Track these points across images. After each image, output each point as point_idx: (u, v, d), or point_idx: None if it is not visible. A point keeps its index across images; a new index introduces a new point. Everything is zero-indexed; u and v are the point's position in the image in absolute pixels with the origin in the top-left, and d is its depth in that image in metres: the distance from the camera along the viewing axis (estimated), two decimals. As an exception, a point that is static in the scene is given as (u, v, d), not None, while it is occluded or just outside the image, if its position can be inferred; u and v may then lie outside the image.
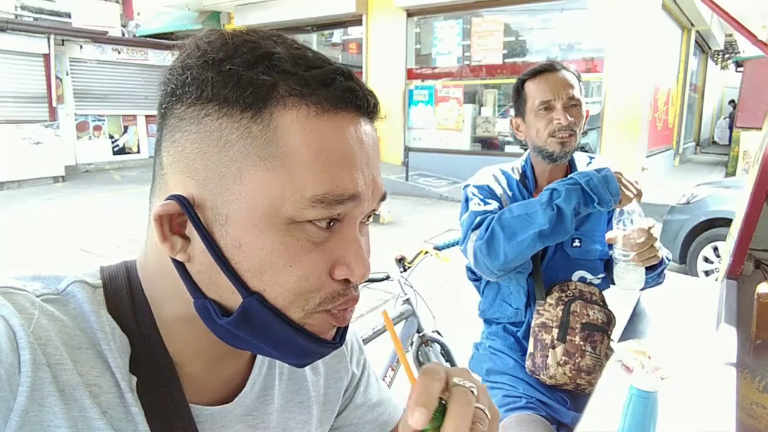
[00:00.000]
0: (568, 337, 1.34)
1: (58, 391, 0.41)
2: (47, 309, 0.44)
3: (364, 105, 0.45)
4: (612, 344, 1.41)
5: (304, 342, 0.47)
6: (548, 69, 1.40)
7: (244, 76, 0.41)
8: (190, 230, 0.44)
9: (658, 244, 1.26)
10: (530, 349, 1.39)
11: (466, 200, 1.45)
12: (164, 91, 0.45)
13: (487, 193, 1.44)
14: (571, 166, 1.48)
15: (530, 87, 1.41)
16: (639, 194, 1.27)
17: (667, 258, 1.39)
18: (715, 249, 4.30)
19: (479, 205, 1.41)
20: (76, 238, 5.76)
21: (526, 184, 1.47)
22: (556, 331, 1.35)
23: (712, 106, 18.48)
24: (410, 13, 9.65)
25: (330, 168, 0.43)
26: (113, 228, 6.22)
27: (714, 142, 17.79)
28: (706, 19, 10.15)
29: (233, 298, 0.45)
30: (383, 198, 0.49)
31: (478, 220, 1.36)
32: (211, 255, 0.43)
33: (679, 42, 10.84)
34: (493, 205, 1.40)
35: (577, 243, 1.44)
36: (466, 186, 1.48)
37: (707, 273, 4.34)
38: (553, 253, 1.44)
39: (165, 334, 0.49)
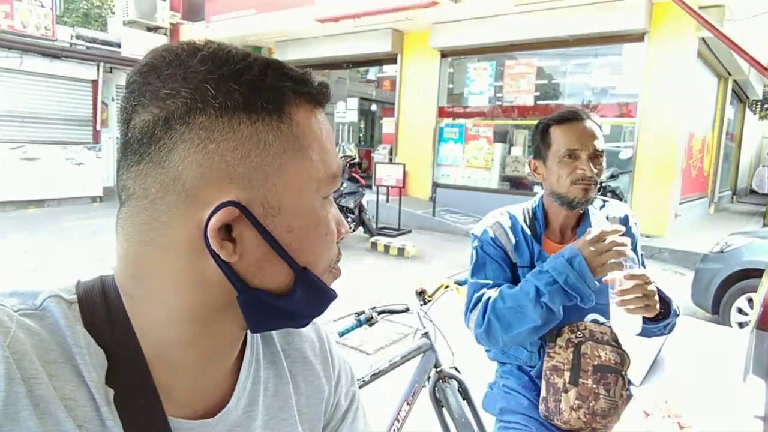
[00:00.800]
0: (580, 380, 1.31)
1: (33, 405, 0.41)
2: (25, 323, 0.44)
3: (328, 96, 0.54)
4: (632, 388, 1.37)
5: (328, 300, 0.54)
6: (576, 117, 1.40)
7: (263, 85, 0.47)
8: (239, 231, 0.47)
9: (656, 298, 1.20)
10: (543, 393, 1.37)
11: (472, 255, 1.48)
12: (169, 108, 0.45)
13: (492, 248, 1.45)
14: (584, 212, 1.48)
15: (556, 133, 1.40)
16: (622, 251, 1.19)
17: (676, 311, 1.34)
18: (750, 300, 4.12)
19: (480, 268, 1.45)
20: (108, 255, 5.92)
21: (535, 227, 1.47)
22: (567, 374, 1.32)
23: (749, 156, 18.08)
24: (444, 54, 9.84)
25: (330, 149, 0.53)
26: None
27: (752, 191, 17.35)
28: (744, 69, 10.04)
29: (282, 280, 0.50)
30: None
31: (475, 299, 1.40)
32: (271, 245, 0.48)
33: (715, 90, 10.73)
34: (493, 268, 1.43)
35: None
36: (474, 236, 1.50)
37: (741, 325, 4.16)
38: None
39: (146, 348, 0.49)
